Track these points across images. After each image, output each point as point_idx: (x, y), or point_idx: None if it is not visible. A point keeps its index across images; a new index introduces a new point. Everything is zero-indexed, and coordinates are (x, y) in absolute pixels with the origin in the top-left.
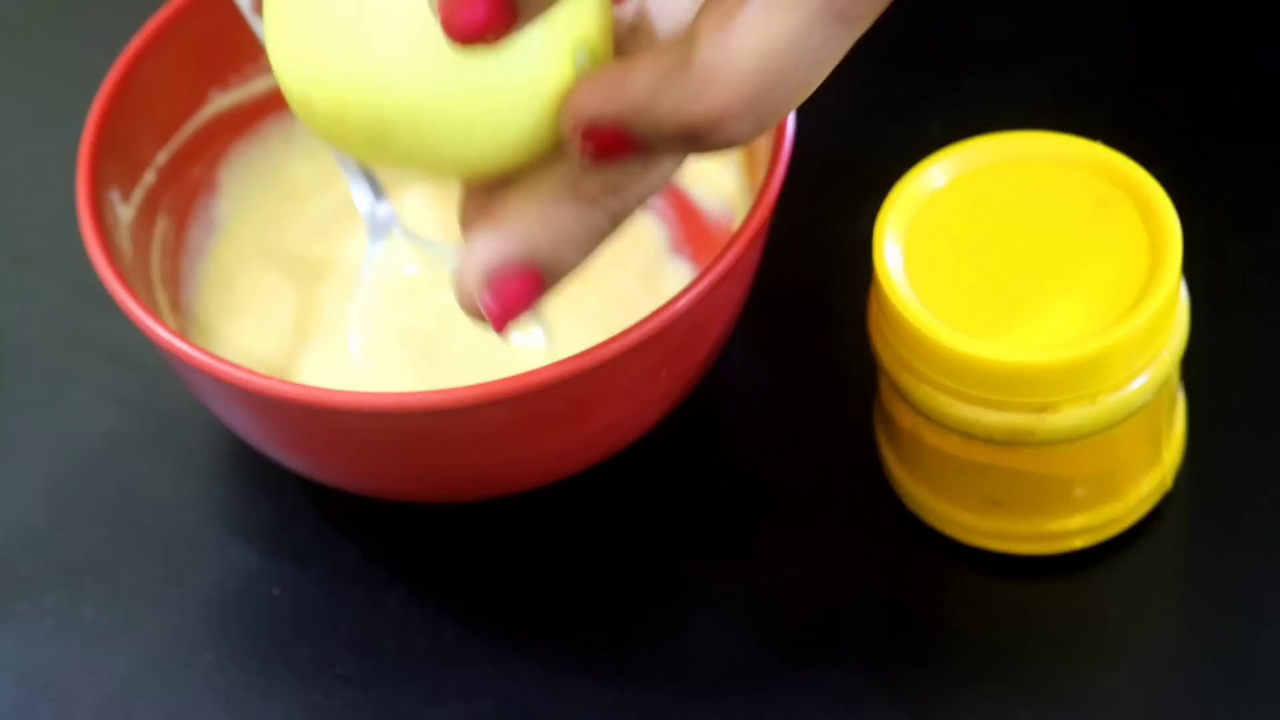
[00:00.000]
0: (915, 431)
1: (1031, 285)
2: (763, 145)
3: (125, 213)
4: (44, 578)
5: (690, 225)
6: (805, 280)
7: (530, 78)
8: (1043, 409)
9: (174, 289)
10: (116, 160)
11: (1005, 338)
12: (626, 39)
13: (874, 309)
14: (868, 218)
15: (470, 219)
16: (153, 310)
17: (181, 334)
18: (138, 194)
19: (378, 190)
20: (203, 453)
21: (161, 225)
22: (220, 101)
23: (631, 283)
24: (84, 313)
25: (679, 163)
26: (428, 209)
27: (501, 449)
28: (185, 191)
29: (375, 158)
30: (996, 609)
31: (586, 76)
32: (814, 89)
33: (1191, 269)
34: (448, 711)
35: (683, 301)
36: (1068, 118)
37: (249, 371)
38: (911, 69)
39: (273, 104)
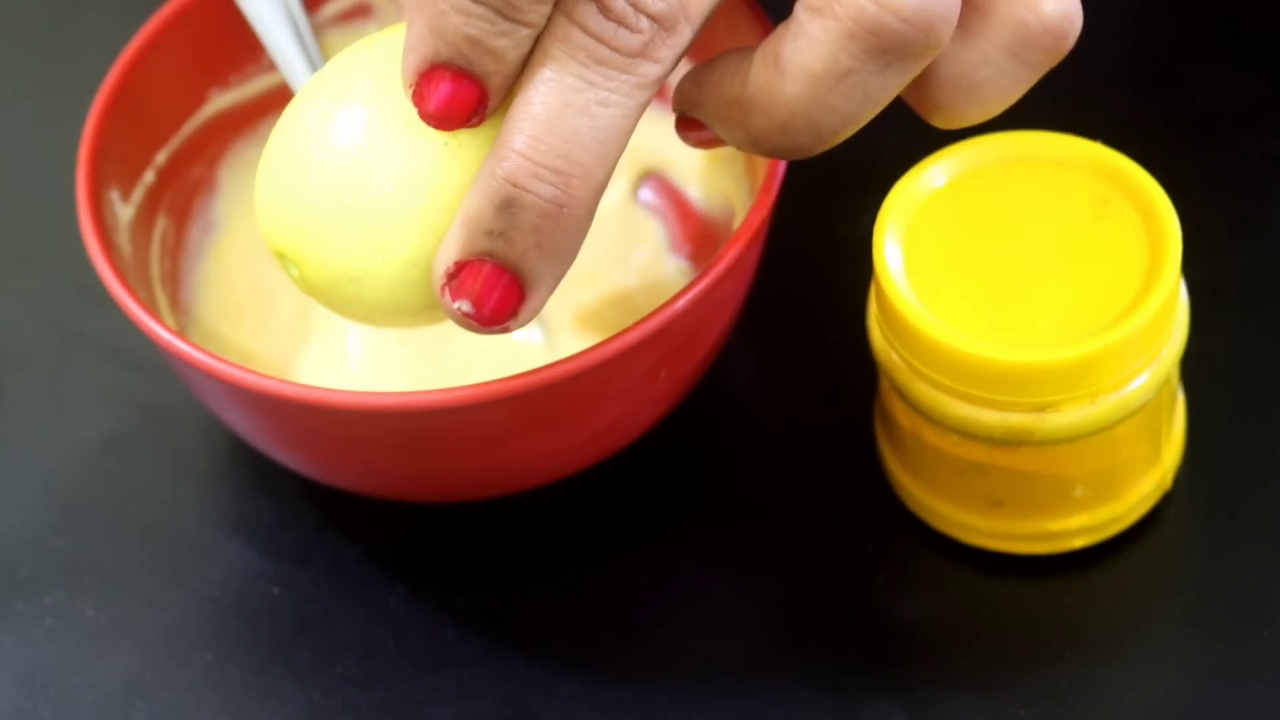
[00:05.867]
0: (915, 431)
1: (1031, 285)
2: None
3: (125, 212)
4: (44, 578)
5: (690, 225)
6: (805, 280)
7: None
8: (1043, 409)
9: (174, 288)
10: (116, 160)
11: (1005, 338)
12: None
13: (874, 309)
14: (868, 218)
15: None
16: (152, 310)
17: (181, 333)
18: (138, 194)
19: None
20: (203, 453)
21: (161, 225)
22: (220, 101)
23: (631, 282)
24: (84, 313)
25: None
26: None
27: (501, 449)
28: (185, 191)
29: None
30: (996, 609)
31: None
32: (862, 120)
33: (1191, 269)
34: (448, 711)
35: (682, 301)
36: (1068, 118)
37: (249, 371)
38: None
39: (272, 104)
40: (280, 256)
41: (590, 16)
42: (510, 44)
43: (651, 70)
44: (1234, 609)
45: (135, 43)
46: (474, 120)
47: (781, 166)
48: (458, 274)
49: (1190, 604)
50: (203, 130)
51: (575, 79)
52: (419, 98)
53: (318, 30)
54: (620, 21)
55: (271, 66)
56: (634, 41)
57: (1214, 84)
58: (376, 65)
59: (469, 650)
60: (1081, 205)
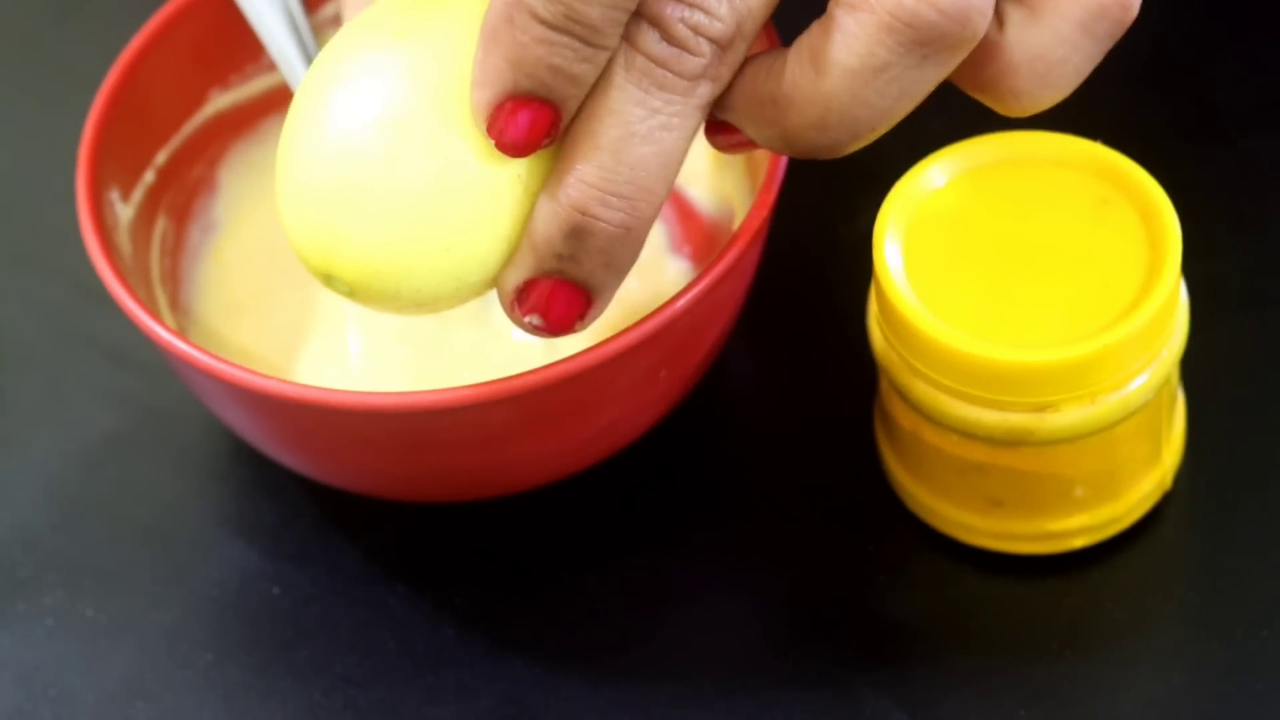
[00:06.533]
0: (915, 431)
1: (1031, 285)
2: None
3: (125, 212)
4: (44, 578)
5: (690, 225)
6: (805, 280)
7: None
8: (1043, 409)
9: (173, 288)
10: (116, 160)
11: (1005, 338)
12: None
13: (874, 309)
14: (868, 218)
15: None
16: (152, 310)
17: (181, 333)
18: (138, 194)
19: None
20: (203, 453)
21: (161, 225)
22: (220, 101)
23: (631, 282)
24: (84, 313)
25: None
26: None
27: (501, 449)
28: (185, 191)
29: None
30: (996, 609)
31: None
32: (899, 115)
33: (1191, 269)
34: (448, 711)
35: (682, 301)
36: (1068, 118)
37: (249, 371)
38: None
39: (272, 104)
40: (328, 278)
41: (654, 42)
42: (591, 69)
43: (710, 91)
44: (1234, 609)
45: (135, 43)
46: (547, 143)
47: (782, 167)
48: (527, 292)
49: (1190, 604)
50: (203, 130)
51: (639, 106)
52: (496, 130)
53: (317, 30)
54: (682, 46)
55: (271, 66)
56: (695, 65)
57: (1214, 84)
58: (409, 67)
59: (469, 650)
60: (1081, 205)
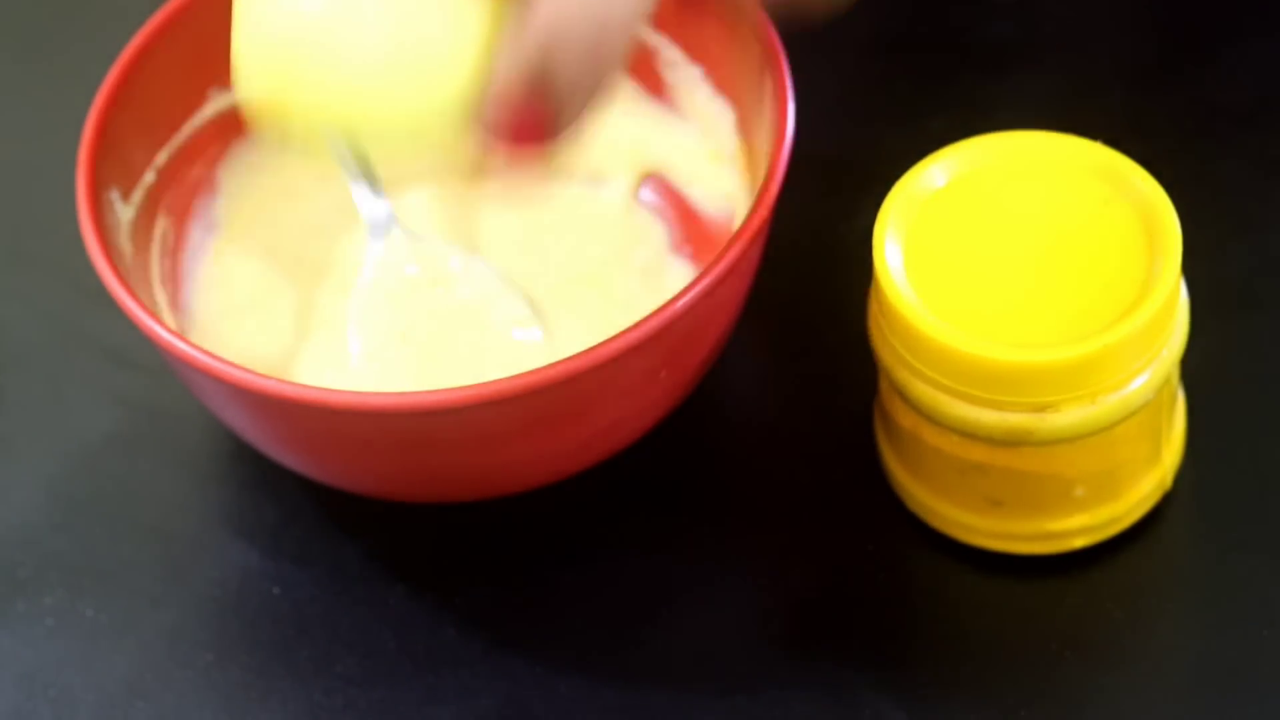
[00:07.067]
0: (915, 431)
1: (1031, 285)
2: (762, 145)
3: (125, 212)
4: (44, 578)
5: (690, 225)
6: (805, 280)
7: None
8: (1043, 409)
9: (174, 288)
10: (116, 160)
11: (1005, 338)
12: None
13: (874, 309)
14: (868, 218)
15: None
16: (152, 310)
17: (181, 334)
18: (138, 194)
19: (377, 189)
20: (203, 453)
21: (161, 225)
22: (220, 101)
23: (631, 282)
24: (84, 313)
25: None
26: (428, 208)
27: (501, 449)
28: (185, 191)
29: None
30: (996, 609)
31: None
32: None
33: (1191, 269)
34: (448, 711)
35: (683, 301)
36: (1068, 118)
37: (249, 371)
38: (911, 69)
39: None
40: (283, 126)
41: None
42: None
43: None
44: (1234, 609)
45: (135, 43)
46: None
47: (782, 166)
48: (497, 117)
49: (1190, 604)
50: (203, 130)
51: None
52: None
53: None
54: None
55: None
56: None
57: (1214, 84)
58: None
59: (469, 650)
60: (1081, 205)
